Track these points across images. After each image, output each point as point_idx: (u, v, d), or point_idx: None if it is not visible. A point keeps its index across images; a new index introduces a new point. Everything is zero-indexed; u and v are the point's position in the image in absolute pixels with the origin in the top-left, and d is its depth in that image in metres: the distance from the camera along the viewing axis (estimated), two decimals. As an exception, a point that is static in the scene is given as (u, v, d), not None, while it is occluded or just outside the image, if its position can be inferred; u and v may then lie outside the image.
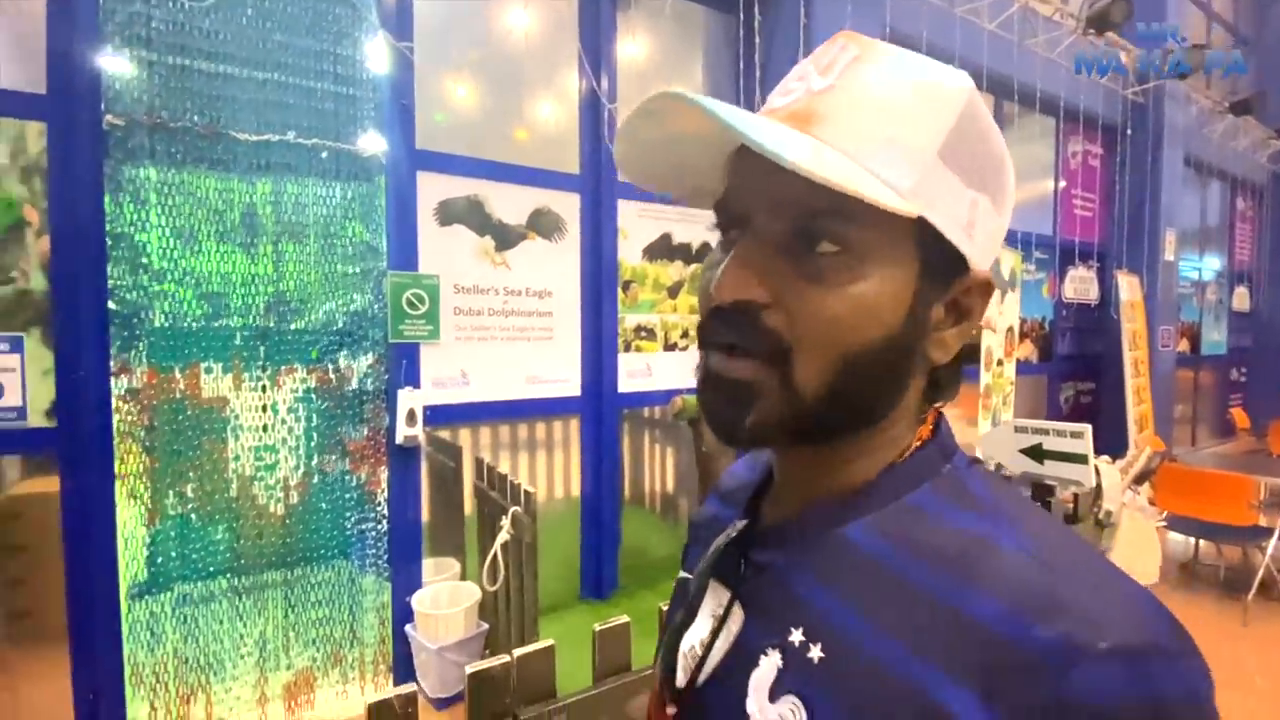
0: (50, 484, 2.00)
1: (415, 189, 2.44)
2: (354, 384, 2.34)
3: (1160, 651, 0.29)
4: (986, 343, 3.62)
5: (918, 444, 0.42)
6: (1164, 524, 2.72)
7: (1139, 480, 2.46)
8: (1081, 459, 2.13)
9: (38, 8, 1.89)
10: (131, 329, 1.99)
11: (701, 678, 0.44)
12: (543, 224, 2.74)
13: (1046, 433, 2.26)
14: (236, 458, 2.15)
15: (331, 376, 2.29)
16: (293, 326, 2.22)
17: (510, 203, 2.66)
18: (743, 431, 0.39)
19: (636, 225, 2.98)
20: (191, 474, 2.09)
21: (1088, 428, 2.14)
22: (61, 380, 1.94)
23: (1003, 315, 3.77)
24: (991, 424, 3.58)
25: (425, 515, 2.57)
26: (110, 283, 1.97)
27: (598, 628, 1.06)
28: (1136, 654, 0.29)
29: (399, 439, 2.36)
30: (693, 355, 3.11)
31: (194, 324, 2.08)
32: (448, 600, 2.39)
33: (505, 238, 2.65)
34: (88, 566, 1.99)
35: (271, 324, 2.18)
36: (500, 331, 2.65)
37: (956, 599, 0.33)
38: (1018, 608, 0.31)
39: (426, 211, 2.48)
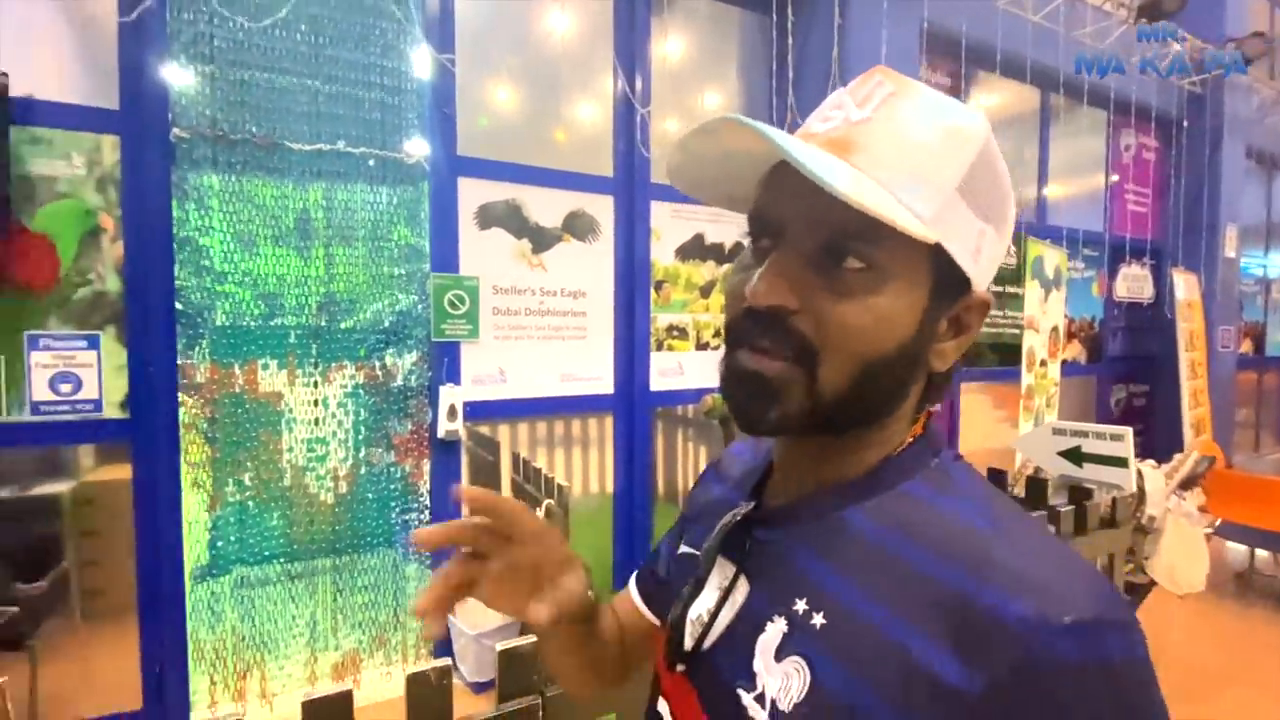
0: (119, 471, 2.15)
1: (456, 194, 2.54)
2: (399, 380, 2.45)
3: (1109, 623, 0.34)
4: (1029, 343, 3.54)
5: (910, 440, 0.47)
6: (1211, 531, 2.63)
7: (1185, 485, 2.39)
8: (1122, 462, 2.08)
9: (111, 28, 2.04)
10: (196, 327, 2.14)
11: (708, 642, 0.49)
12: (578, 226, 2.81)
13: (1086, 435, 2.22)
14: (290, 449, 2.29)
15: (378, 373, 2.41)
16: (342, 325, 2.35)
17: (546, 206, 2.74)
18: (766, 423, 0.43)
19: (669, 226, 3.03)
20: (249, 464, 2.23)
21: (1128, 430, 2.09)
22: (134, 375, 2.09)
23: (1046, 315, 3.68)
24: (1034, 426, 3.50)
25: (464, 508, 2.66)
26: (177, 284, 2.12)
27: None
28: (1091, 625, 0.33)
29: (441, 433, 2.46)
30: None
31: (252, 323, 2.22)
32: (485, 589, 2.48)
33: (541, 240, 2.73)
34: (156, 549, 2.14)
35: (323, 323, 2.31)
36: (536, 331, 2.73)
37: (941, 574, 0.37)
38: (991, 583, 0.35)
39: (467, 215, 2.58)
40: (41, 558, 2.08)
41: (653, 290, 3.00)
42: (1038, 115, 4.41)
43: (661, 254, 3.03)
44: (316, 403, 2.32)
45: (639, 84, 2.89)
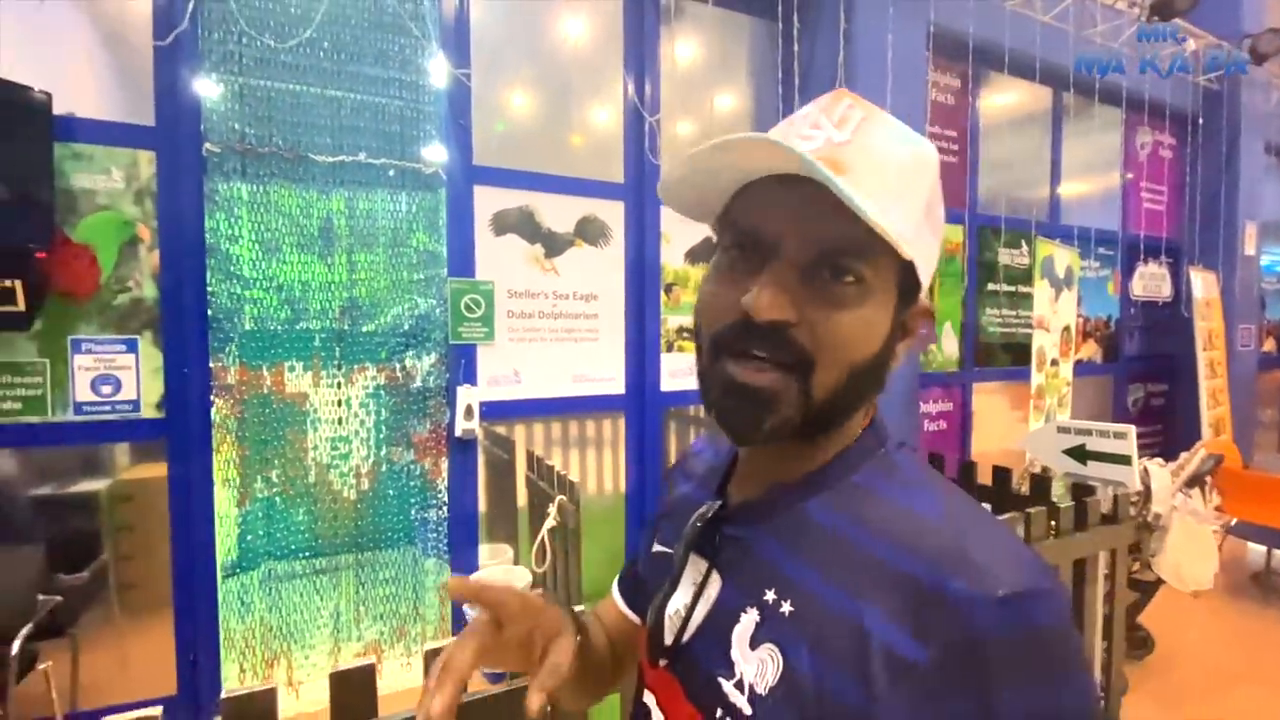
0: (152, 469, 2.26)
1: (472, 201, 2.63)
2: (418, 381, 2.54)
3: (1035, 594, 0.38)
4: (1039, 343, 3.54)
5: (861, 431, 0.51)
6: (1221, 529, 2.63)
7: (1192, 483, 2.40)
8: (1125, 460, 2.10)
9: (146, 49, 2.15)
10: (227, 331, 2.25)
11: (687, 635, 0.52)
12: (589, 231, 2.89)
13: (1090, 433, 2.24)
14: (315, 447, 2.39)
15: (398, 374, 2.50)
16: (364, 329, 2.44)
17: (559, 212, 2.82)
18: (760, 434, 0.46)
19: (678, 230, 3.09)
20: (277, 462, 2.33)
21: (1131, 428, 2.11)
22: (169, 377, 2.21)
23: (1057, 314, 3.68)
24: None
25: (481, 505, 2.75)
26: (209, 290, 2.23)
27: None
28: (1020, 597, 0.38)
29: (458, 432, 2.55)
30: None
31: (279, 326, 2.32)
32: (502, 582, 2.57)
33: (554, 245, 2.82)
34: (190, 543, 2.25)
35: (346, 326, 2.41)
36: (550, 333, 2.82)
37: (891, 557, 0.41)
38: (937, 565, 0.39)
39: (482, 222, 2.67)
40: (82, 551, 2.19)
41: (663, 293, 3.07)
42: (1049, 115, 4.41)
43: (671, 257, 3.10)
44: (340, 403, 2.42)
45: (648, 92, 2.96)
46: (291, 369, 2.35)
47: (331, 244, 2.39)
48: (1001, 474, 2.24)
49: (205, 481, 2.26)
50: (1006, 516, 1.73)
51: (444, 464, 2.61)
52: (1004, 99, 4.23)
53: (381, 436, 2.50)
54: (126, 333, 2.16)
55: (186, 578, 2.26)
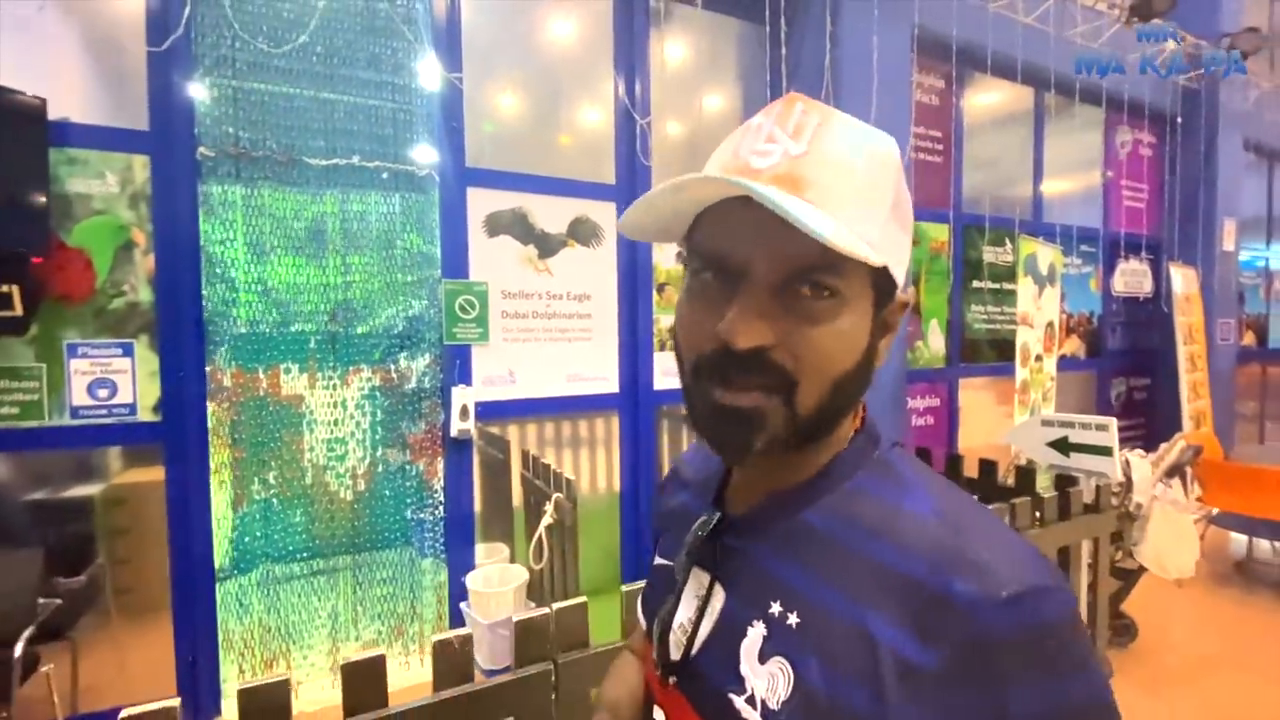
0: (146, 473, 2.27)
1: (465, 203, 2.66)
2: (413, 382, 2.56)
3: (1040, 591, 0.39)
4: (1022, 339, 3.61)
5: (852, 435, 0.51)
6: (1201, 518, 2.70)
7: (1171, 473, 2.46)
8: (1106, 451, 2.17)
9: (140, 54, 2.16)
10: (222, 334, 2.26)
11: (694, 650, 0.51)
12: (581, 232, 2.92)
13: (1073, 426, 2.30)
14: (311, 449, 2.41)
15: (394, 375, 2.53)
16: (359, 330, 2.46)
17: (551, 213, 2.85)
18: (751, 453, 0.45)
19: (671, 230, 3.12)
20: (273, 463, 2.35)
21: (1112, 420, 2.17)
22: (166, 380, 2.22)
23: (1041, 311, 3.75)
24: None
25: (476, 504, 2.78)
26: (204, 294, 2.25)
27: (626, 589, 1.22)
28: (1025, 595, 0.38)
29: (453, 433, 2.57)
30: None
31: (274, 329, 2.34)
32: (498, 580, 2.59)
33: (547, 246, 2.85)
34: (188, 546, 2.26)
35: (340, 328, 2.43)
36: (544, 333, 2.85)
37: (893, 561, 0.41)
38: (938, 566, 0.40)
39: (476, 223, 2.69)
40: (79, 555, 2.20)
41: (655, 293, 3.10)
42: (1032, 114, 4.49)
43: (663, 258, 3.14)
44: (336, 405, 2.44)
45: (638, 94, 3.00)
46: (287, 371, 2.37)
47: (325, 246, 2.41)
48: (988, 466, 2.30)
49: (202, 484, 2.27)
50: (993, 507, 1.79)
51: (440, 464, 2.63)
52: (987, 99, 4.30)
53: (377, 437, 2.52)
54: (122, 336, 2.17)
55: (184, 580, 2.27)
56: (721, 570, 0.52)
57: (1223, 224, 5.12)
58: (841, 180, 0.43)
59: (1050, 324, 3.86)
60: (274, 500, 2.36)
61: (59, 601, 2.01)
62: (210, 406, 2.26)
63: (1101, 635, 2.00)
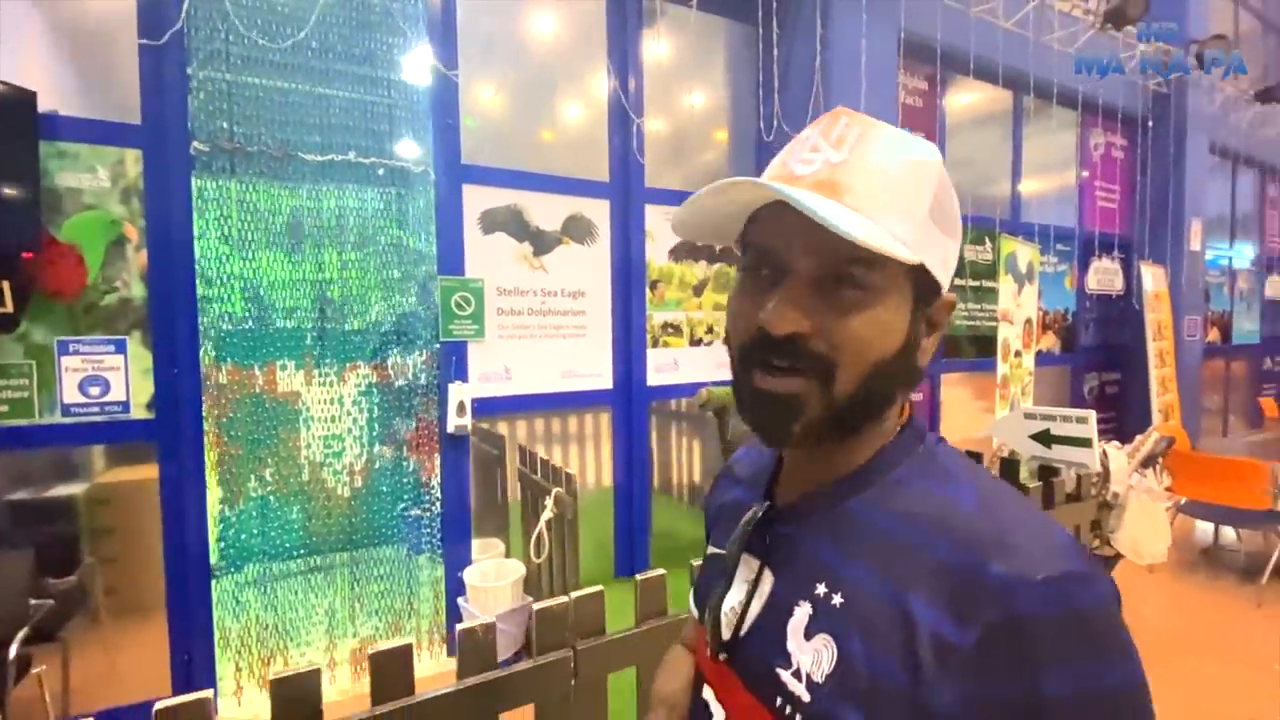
0: (134, 472, 2.25)
1: (461, 200, 2.66)
2: (410, 379, 2.56)
3: (1075, 576, 0.40)
4: (1003, 335, 3.72)
5: (898, 430, 0.53)
6: (1172, 506, 2.81)
7: (1146, 463, 2.57)
8: (1086, 443, 2.25)
9: (132, 47, 2.13)
10: (217, 330, 2.24)
11: (743, 630, 0.55)
12: (576, 229, 2.94)
13: (1054, 418, 2.39)
14: (308, 446, 2.40)
15: (390, 372, 2.53)
16: (355, 327, 2.46)
17: (546, 211, 2.87)
18: (790, 435, 0.49)
19: (662, 228, 3.16)
20: (270, 460, 2.34)
21: (1091, 413, 2.26)
22: (159, 377, 2.20)
23: (1020, 308, 3.86)
24: (1010, 412, 3.68)
25: (471, 500, 2.79)
26: (198, 290, 2.22)
27: (640, 578, 1.25)
28: (1060, 580, 0.39)
29: (450, 428, 2.58)
30: (716, 351, 3.28)
31: (270, 325, 2.32)
32: (495, 575, 2.60)
33: (542, 243, 2.86)
34: (183, 544, 2.24)
35: (337, 325, 2.42)
36: (539, 330, 2.86)
37: (934, 547, 0.44)
38: (975, 550, 0.42)
39: (471, 221, 2.70)
40: (69, 555, 2.17)
41: (648, 289, 3.14)
42: (1010, 115, 4.61)
43: (656, 255, 3.17)
44: (332, 401, 2.43)
45: (632, 93, 3.02)
46: (283, 368, 2.35)
47: (321, 242, 2.40)
48: (974, 457, 2.37)
49: (197, 481, 2.26)
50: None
51: (436, 460, 2.64)
52: (968, 100, 4.41)
53: (374, 434, 2.52)
54: (114, 333, 2.14)
55: (180, 577, 2.25)
56: (771, 556, 0.55)
57: (1190, 224, 5.30)
58: (878, 185, 0.47)
59: (1029, 320, 3.98)
60: (270, 497, 2.35)
61: (51, 603, 1.98)
62: (205, 403, 2.24)
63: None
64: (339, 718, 0.94)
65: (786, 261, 0.48)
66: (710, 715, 0.58)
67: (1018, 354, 3.90)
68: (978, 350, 4.30)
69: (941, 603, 0.41)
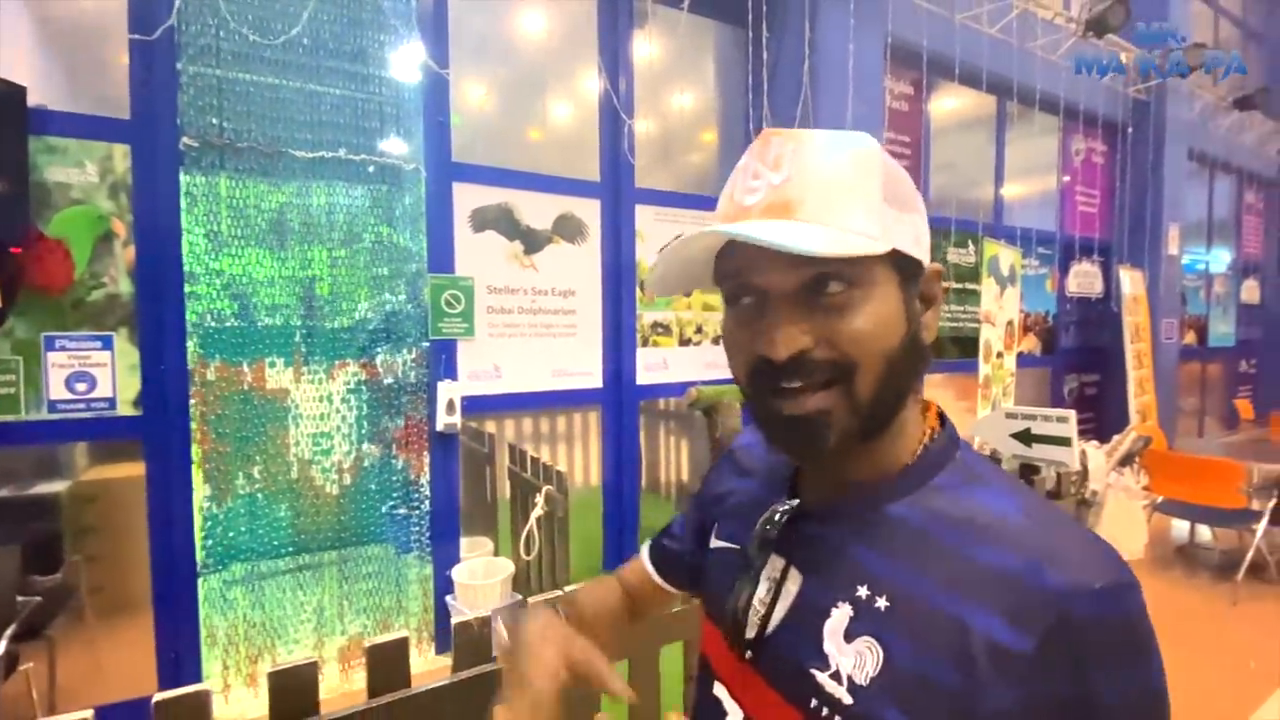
0: (120, 469, 2.24)
1: (451, 198, 2.67)
2: (399, 377, 2.57)
3: (1125, 585, 0.42)
4: (985, 336, 3.78)
5: (932, 434, 0.54)
6: (1148, 504, 2.89)
7: (1123, 462, 2.64)
8: (1066, 442, 2.31)
9: (122, 42, 2.12)
10: (205, 327, 2.24)
11: (769, 629, 0.54)
12: (566, 228, 2.96)
13: (1034, 418, 2.44)
14: (297, 444, 2.39)
15: (379, 370, 2.53)
16: (345, 324, 2.46)
17: (537, 209, 2.88)
18: (826, 453, 0.48)
19: (653, 228, 3.19)
20: (258, 458, 2.33)
21: (1071, 413, 2.31)
22: (146, 374, 2.18)
23: (1002, 310, 3.93)
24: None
25: (460, 498, 2.80)
26: (186, 286, 2.21)
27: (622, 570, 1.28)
28: (1113, 588, 0.42)
29: (439, 427, 2.59)
30: (706, 350, 3.31)
31: (259, 322, 2.32)
32: (484, 573, 2.62)
33: (533, 242, 2.88)
34: (169, 541, 2.23)
35: (326, 322, 2.42)
36: (529, 328, 2.88)
37: (983, 555, 0.45)
38: (1031, 559, 0.43)
39: (462, 219, 2.71)
40: (54, 552, 2.16)
41: (638, 289, 3.16)
42: (994, 120, 4.68)
43: (646, 254, 3.19)
44: (321, 399, 2.43)
45: (623, 93, 3.04)
46: (271, 365, 2.35)
47: (309, 239, 2.40)
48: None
49: (184, 478, 2.25)
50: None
51: (425, 458, 2.64)
52: (953, 105, 4.47)
53: (363, 432, 2.52)
54: (102, 329, 2.13)
55: (167, 575, 2.24)
56: (797, 555, 0.54)
57: (1168, 229, 5.42)
58: (825, 191, 0.47)
59: (1010, 322, 4.05)
60: (258, 495, 2.35)
61: (38, 599, 1.97)
62: (192, 400, 2.24)
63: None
64: (337, 709, 0.95)
65: (764, 285, 0.48)
66: (724, 713, 0.58)
67: (999, 355, 3.97)
68: (960, 351, 4.37)
69: (999, 610, 0.42)
